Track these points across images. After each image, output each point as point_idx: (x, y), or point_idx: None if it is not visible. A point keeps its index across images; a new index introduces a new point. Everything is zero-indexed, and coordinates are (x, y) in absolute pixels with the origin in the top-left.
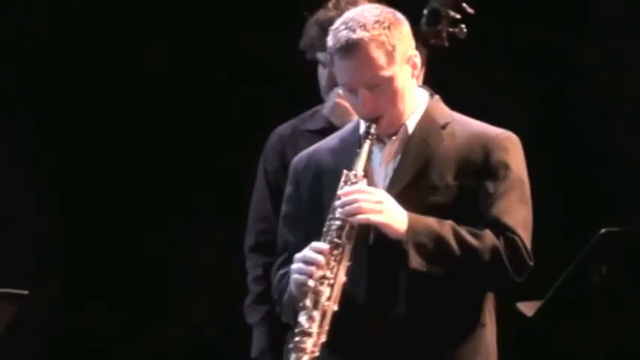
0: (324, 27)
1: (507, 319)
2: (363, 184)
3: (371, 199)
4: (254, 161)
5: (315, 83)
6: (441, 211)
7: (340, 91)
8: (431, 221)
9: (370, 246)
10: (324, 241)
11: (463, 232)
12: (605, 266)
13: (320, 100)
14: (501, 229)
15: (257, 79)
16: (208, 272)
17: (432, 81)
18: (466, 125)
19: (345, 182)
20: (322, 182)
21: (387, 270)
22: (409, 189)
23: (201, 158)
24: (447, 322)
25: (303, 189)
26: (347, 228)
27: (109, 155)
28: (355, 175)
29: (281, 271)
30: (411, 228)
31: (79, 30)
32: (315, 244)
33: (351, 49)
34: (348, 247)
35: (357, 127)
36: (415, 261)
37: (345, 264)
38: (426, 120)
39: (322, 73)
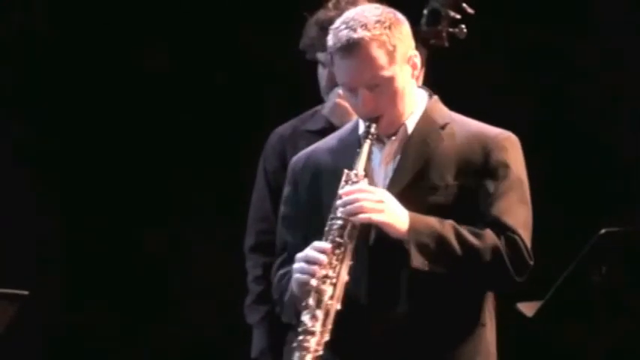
0: (324, 27)
1: (507, 319)
2: (364, 183)
3: (372, 199)
4: (254, 161)
5: (315, 83)
6: (441, 211)
7: (340, 91)
8: (432, 221)
9: (371, 246)
10: (326, 240)
11: (464, 231)
12: (605, 266)
13: (320, 100)
14: (502, 229)
15: (257, 79)
16: (208, 272)
17: (432, 81)
18: (465, 125)
19: (346, 182)
20: (321, 182)
21: (388, 270)
22: (409, 189)
23: (201, 158)
24: (448, 322)
25: (302, 189)
26: (349, 227)
27: (109, 155)
28: (356, 175)
29: (281, 271)
30: (412, 227)
31: (79, 30)
32: (317, 243)
33: (352, 48)
34: (350, 247)
35: (356, 127)
36: (417, 260)
37: (348, 263)
38: (426, 120)
39: (322, 73)
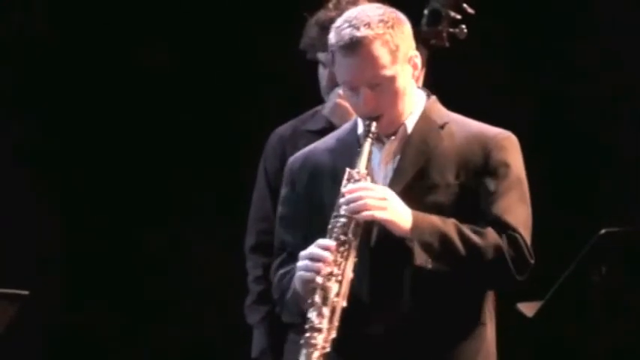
0: (325, 27)
1: (507, 319)
2: (366, 181)
3: (376, 196)
4: (254, 161)
5: (315, 83)
6: (441, 210)
7: (341, 91)
8: (435, 219)
9: (373, 244)
10: (330, 238)
11: (466, 230)
12: (605, 266)
13: (320, 101)
14: (503, 228)
15: (257, 79)
16: (208, 272)
17: (433, 81)
18: (464, 125)
19: (349, 180)
20: (320, 182)
21: (390, 268)
22: (409, 189)
23: (201, 158)
24: (449, 321)
25: (300, 189)
26: (352, 225)
27: (109, 155)
28: (358, 173)
29: (281, 271)
30: (415, 225)
31: (79, 30)
32: (321, 240)
33: (355, 46)
34: (355, 244)
35: (354, 126)
36: (420, 258)
37: (352, 260)
38: (425, 120)
39: (322, 73)
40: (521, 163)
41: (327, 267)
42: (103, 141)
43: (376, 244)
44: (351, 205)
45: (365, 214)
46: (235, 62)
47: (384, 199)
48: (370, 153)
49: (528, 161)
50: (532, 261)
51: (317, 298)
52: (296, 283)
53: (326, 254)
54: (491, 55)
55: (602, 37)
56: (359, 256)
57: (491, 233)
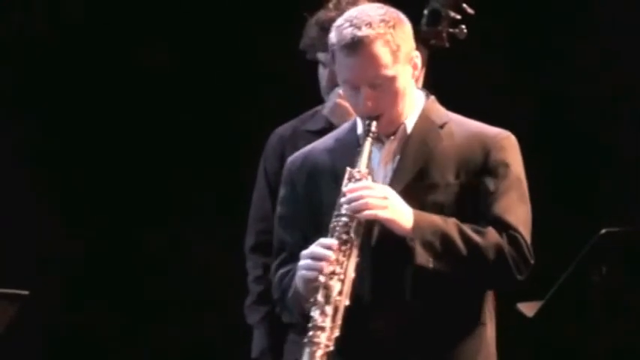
0: (325, 27)
1: (507, 319)
2: (367, 180)
3: (377, 195)
4: (254, 161)
5: (315, 83)
6: (441, 210)
7: (341, 91)
8: (436, 218)
9: (373, 244)
10: (332, 237)
11: (467, 229)
12: (605, 266)
13: (320, 101)
14: (503, 227)
15: (257, 79)
16: (208, 272)
17: (433, 81)
18: (464, 125)
19: (350, 179)
20: (319, 182)
21: (391, 268)
22: (409, 188)
23: (201, 158)
24: (449, 321)
25: (299, 189)
26: (354, 224)
27: (109, 155)
28: (359, 173)
29: (281, 271)
30: (417, 225)
31: (79, 30)
32: (323, 239)
33: (357, 46)
34: (356, 243)
35: (353, 126)
36: (421, 257)
37: (354, 260)
38: (424, 120)
39: (322, 73)
40: (521, 163)
41: (329, 266)
42: (103, 141)
43: (377, 244)
44: (353, 204)
45: (367, 213)
46: (235, 62)
47: (386, 198)
48: (370, 153)
49: (528, 161)
50: (532, 260)
51: (320, 297)
52: (297, 283)
53: (328, 253)
54: (491, 55)
55: (602, 37)
56: (360, 255)
57: (491, 233)
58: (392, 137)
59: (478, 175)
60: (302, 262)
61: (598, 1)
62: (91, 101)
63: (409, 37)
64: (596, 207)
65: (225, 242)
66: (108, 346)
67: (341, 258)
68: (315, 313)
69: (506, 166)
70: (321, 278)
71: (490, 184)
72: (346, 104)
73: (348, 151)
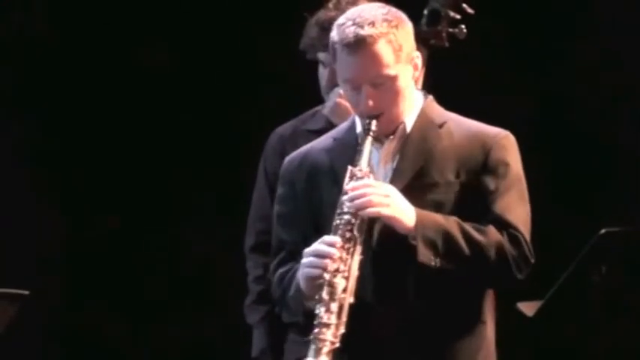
0: (325, 27)
1: (507, 319)
2: (369, 178)
3: (379, 193)
4: (254, 161)
5: (315, 83)
6: (442, 209)
7: (341, 91)
8: (438, 217)
9: (375, 242)
10: (335, 235)
11: (468, 227)
12: (605, 266)
13: (320, 100)
14: (504, 226)
15: (257, 79)
16: (208, 272)
17: (432, 81)
18: (463, 124)
19: (351, 178)
20: (318, 181)
21: (392, 266)
22: (410, 188)
23: (201, 158)
24: (450, 319)
25: (298, 188)
26: (358, 221)
27: (109, 155)
28: (360, 171)
29: (281, 270)
30: (419, 222)
31: (79, 30)
32: (326, 237)
33: (359, 45)
34: (360, 241)
35: (352, 126)
36: (423, 255)
37: (358, 257)
38: (423, 119)
39: (322, 73)
40: (520, 162)
41: (333, 263)
42: (103, 141)
43: (378, 242)
44: (356, 201)
45: (370, 210)
46: (235, 62)
47: (388, 196)
48: (370, 152)
49: (528, 161)
50: (532, 259)
51: (324, 294)
52: (300, 281)
53: (332, 250)
54: (491, 55)
55: (602, 37)
56: (363, 253)
57: (492, 231)
58: (391, 137)
59: (478, 174)
60: (305, 260)
61: (598, 1)
62: (91, 101)
63: (411, 37)
64: (596, 207)
65: (225, 242)
66: (108, 346)
67: (345, 255)
68: (319, 311)
69: (507, 165)
70: (326, 276)
71: (490, 183)
72: (346, 104)
73: (347, 150)
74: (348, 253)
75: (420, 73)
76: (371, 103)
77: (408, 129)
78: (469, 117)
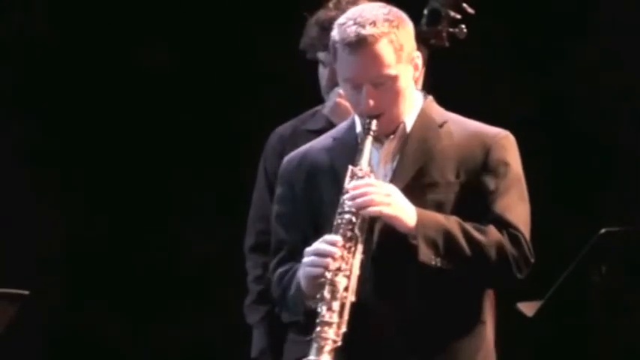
0: (325, 27)
1: (507, 318)
2: (370, 178)
3: (381, 192)
4: (254, 161)
5: (315, 83)
6: (442, 209)
7: (341, 90)
8: (439, 216)
9: (375, 242)
10: (336, 234)
11: (469, 227)
12: (605, 266)
13: (320, 100)
14: (504, 226)
15: (257, 79)
16: (208, 272)
17: (432, 81)
18: (463, 124)
19: (352, 177)
20: (318, 181)
21: (393, 266)
22: (410, 187)
23: (201, 158)
24: (450, 319)
25: (297, 188)
26: (359, 220)
27: (109, 155)
28: (361, 170)
29: (280, 270)
30: (420, 222)
31: (79, 30)
32: (327, 236)
33: (361, 44)
34: (361, 240)
35: (352, 125)
36: (424, 254)
37: (359, 256)
38: (423, 119)
39: (322, 72)
40: (519, 162)
41: (334, 262)
42: (103, 141)
43: (378, 242)
44: (357, 200)
45: (371, 209)
46: (235, 62)
47: (389, 195)
48: (370, 152)
49: (528, 161)
50: (532, 259)
51: (326, 293)
52: (301, 280)
53: (334, 249)
54: (491, 55)
55: (602, 37)
56: (364, 252)
57: (493, 231)
58: (391, 137)
59: (478, 174)
60: (306, 259)
61: (598, 1)
62: (91, 101)
63: (411, 37)
64: (596, 207)
65: (225, 242)
66: (108, 346)
67: (346, 254)
68: (321, 309)
69: (506, 165)
70: (327, 274)
71: (490, 182)
72: (346, 104)
73: (347, 149)
74: (349, 252)
75: (420, 73)
76: (371, 102)
77: (408, 129)
78: (469, 117)
